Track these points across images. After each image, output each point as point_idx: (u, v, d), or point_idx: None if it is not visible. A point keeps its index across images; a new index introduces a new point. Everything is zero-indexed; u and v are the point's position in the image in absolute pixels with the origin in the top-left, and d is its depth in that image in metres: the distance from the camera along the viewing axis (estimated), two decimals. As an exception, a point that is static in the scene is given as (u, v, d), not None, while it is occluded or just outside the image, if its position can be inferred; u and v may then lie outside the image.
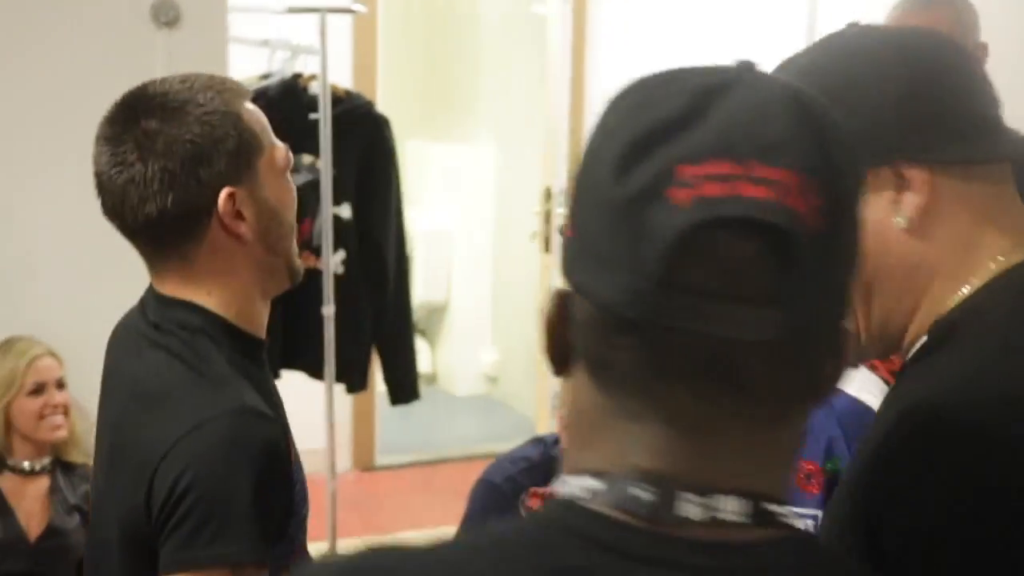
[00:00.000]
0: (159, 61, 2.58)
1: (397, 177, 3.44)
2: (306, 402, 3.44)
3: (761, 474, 0.78)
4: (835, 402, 1.51)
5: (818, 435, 1.52)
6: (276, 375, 3.25)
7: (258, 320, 1.54)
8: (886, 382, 1.54)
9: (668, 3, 4.43)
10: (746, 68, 0.80)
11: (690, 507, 0.76)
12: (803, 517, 1.48)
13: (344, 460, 4.56)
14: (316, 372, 3.32)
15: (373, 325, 3.43)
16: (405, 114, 5.42)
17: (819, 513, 1.48)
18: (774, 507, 0.77)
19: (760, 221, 0.74)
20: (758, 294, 0.74)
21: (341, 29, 4.20)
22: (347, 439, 4.70)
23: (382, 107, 3.60)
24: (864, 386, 1.54)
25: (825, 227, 0.75)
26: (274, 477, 1.40)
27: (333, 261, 3.23)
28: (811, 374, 0.78)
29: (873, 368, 1.56)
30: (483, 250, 5.71)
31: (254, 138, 1.45)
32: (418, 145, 5.74)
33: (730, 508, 0.76)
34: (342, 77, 3.99)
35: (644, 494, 0.76)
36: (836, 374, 0.80)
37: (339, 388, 3.46)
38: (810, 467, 1.52)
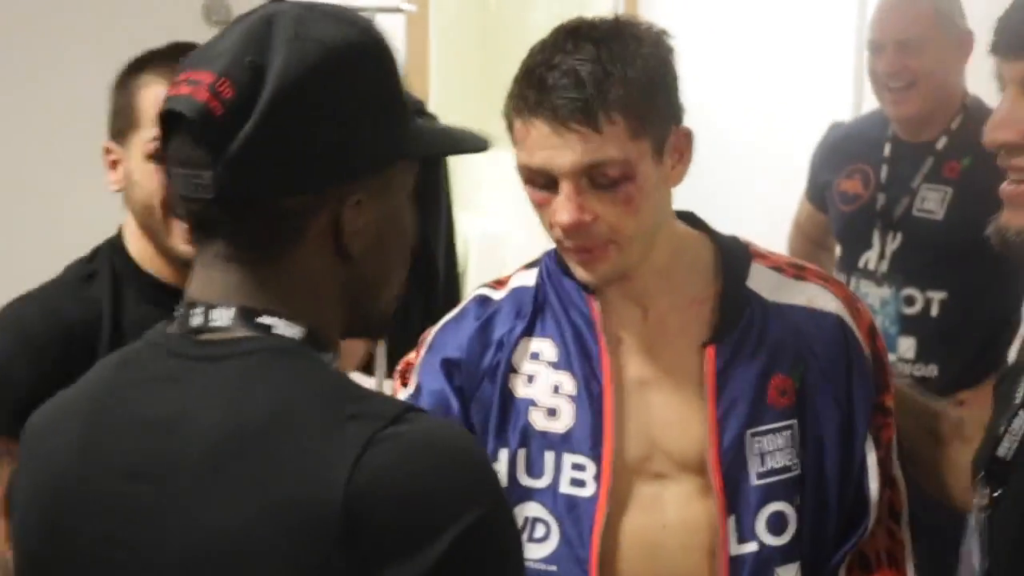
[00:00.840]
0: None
1: (447, 178, 3.46)
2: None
3: (259, 296, 1.09)
4: (793, 317, 1.57)
5: (786, 350, 1.56)
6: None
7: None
8: (824, 288, 1.62)
9: (719, 8, 4.43)
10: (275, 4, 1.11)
11: (197, 318, 1.11)
12: (780, 430, 1.55)
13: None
14: (367, 369, 3.36)
15: (423, 323, 3.45)
16: (459, 118, 5.45)
17: (794, 422, 1.56)
18: (265, 319, 1.09)
19: (175, 110, 1.07)
20: (193, 162, 1.07)
21: (393, 31, 4.24)
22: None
23: (436, 110, 3.62)
24: (813, 296, 1.60)
25: (232, 116, 1.04)
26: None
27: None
28: (271, 228, 1.08)
29: (799, 278, 1.62)
30: (537, 254, 5.71)
31: None
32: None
33: (219, 316, 1.09)
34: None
35: (179, 312, 1.13)
36: (299, 226, 1.08)
37: (389, 384, 3.48)
38: (783, 382, 1.55)
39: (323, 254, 1.10)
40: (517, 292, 1.64)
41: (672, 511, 1.57)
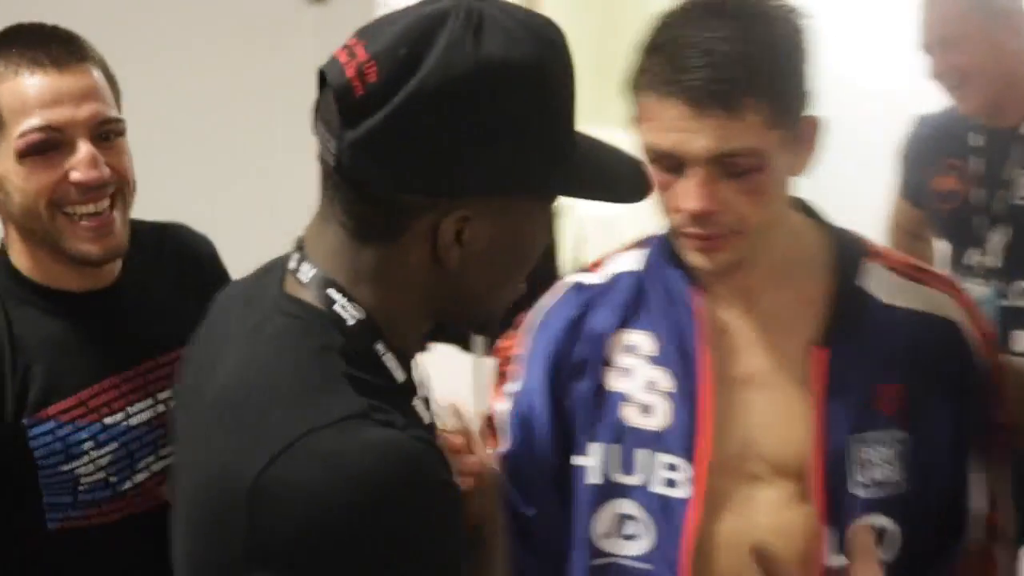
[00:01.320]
0: (308, 37, 2.64)
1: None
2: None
3: (344, 268, 1.12)
4: (908, 321, 1.49)
5: (899, 356, 1.48)
6: (423, 347, 3.30)
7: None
8: (944, 293, 1.54)
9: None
10: None
11: (293, 262, 1.15)
12: (888, 440, 1.47)
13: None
14: (466, 344, 3.39)
15: (521, 297, 3.47)
16: (579, 99, 5.43)
17: (904, 434, 1.47)
18: (333, 292, 1.12)
19: (325, 72, 1.08)
20: (328, 126, 1.08)
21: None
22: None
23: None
24: (932, 301, 1.52)
25: (368, 100, 1.04)
26: None
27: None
28: (375, 215, 1.09)
29: (918, 281, 1.53)
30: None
31: None
32: (589, 131, 5.74)
33: (305, 271, 1.14)
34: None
35: (291, 248, 1.17)
36: (401, 222, 1.09)
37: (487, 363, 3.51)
38: (894, 390, 1.48)
39: (417, 255, 1.11)
40: (616, 279, 1.59)
41: (764, 515, 1.51)
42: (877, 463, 1.47)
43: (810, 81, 1.44)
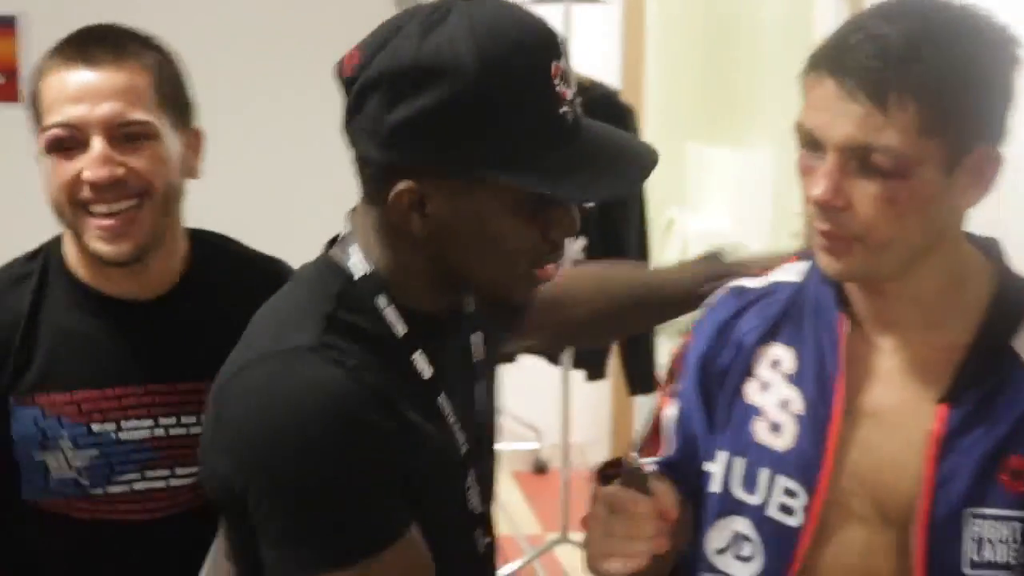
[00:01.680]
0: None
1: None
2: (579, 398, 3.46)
3: (362, 227, 1.28)
4: None
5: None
6: (512, 359, 3.29)
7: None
8: None
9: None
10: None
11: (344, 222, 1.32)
12: (1009, 519, 1.33)
13: (601, 455, 4.59)
14: (554, 358, 3.37)
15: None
16: (685, 116, 5.41)
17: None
18: (354, 247, 1.28)
19: None
20: None
21: (610, 25, 4.24)
22: (606, 434, 4.74)
23: (656, 107, 3.60)
24: None
25: (353, 78, 1.20)
26: None
27: (573, 248, 3.26)
28: (365, 181, 1.25)
29: None
30: (754, 253, 5.62)
31: None
32: (697, 148, 5.71)
33: (344, 228, 1.30)
34: (610, 74, 4.04)
35: None
36: (378, 189, 1.22)
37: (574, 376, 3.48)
38: (1021, 463, 1.34)
39: (396, 219, 1.24)
40: (775, 287, 1.51)
41: (859, 558, 1.41)
42: (993, 542, 1.34)
43: (998, 109, 1.32)
